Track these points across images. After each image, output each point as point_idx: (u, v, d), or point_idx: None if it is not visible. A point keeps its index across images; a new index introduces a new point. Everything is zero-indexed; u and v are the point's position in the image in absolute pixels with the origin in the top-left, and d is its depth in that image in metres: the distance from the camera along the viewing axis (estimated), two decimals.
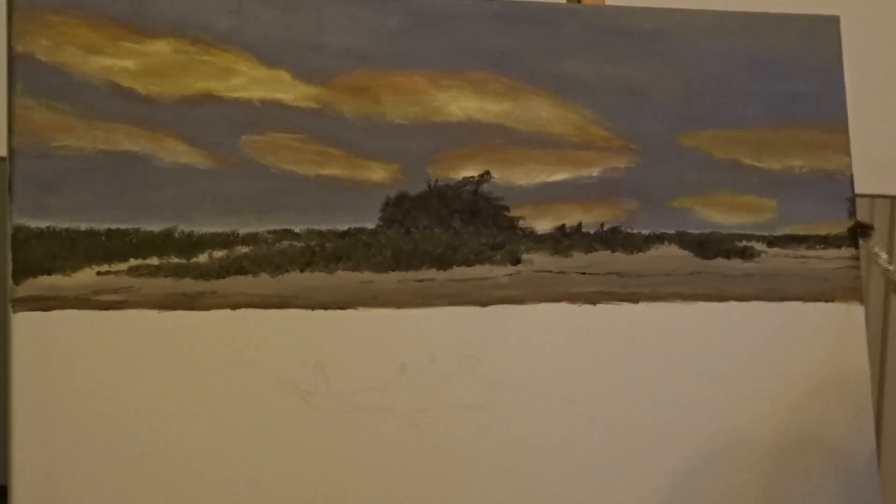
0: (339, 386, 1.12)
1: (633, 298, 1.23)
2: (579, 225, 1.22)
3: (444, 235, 1.18)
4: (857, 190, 1.32)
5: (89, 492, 1.05)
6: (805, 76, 1.30)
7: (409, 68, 1.19)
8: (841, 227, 1.29)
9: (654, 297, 1.23)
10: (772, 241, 1.28)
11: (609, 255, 1.23)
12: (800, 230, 1.29)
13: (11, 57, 1.09)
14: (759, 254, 1.27)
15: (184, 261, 1.11)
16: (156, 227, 1.10)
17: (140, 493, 1.06)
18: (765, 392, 1.25)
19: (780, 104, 1.29)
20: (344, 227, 1.15)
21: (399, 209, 1.17)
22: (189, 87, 1.13)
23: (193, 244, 1.11)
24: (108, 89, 1.11)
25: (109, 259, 1.09)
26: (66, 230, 1.08)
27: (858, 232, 1.28)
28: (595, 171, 1.23)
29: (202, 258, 1.11)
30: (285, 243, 1.13)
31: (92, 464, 1.05)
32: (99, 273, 1.08)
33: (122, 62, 1.11)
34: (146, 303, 1.09)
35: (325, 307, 1.13)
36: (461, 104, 1.20)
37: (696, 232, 1.25)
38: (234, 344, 1.10)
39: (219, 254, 1.12)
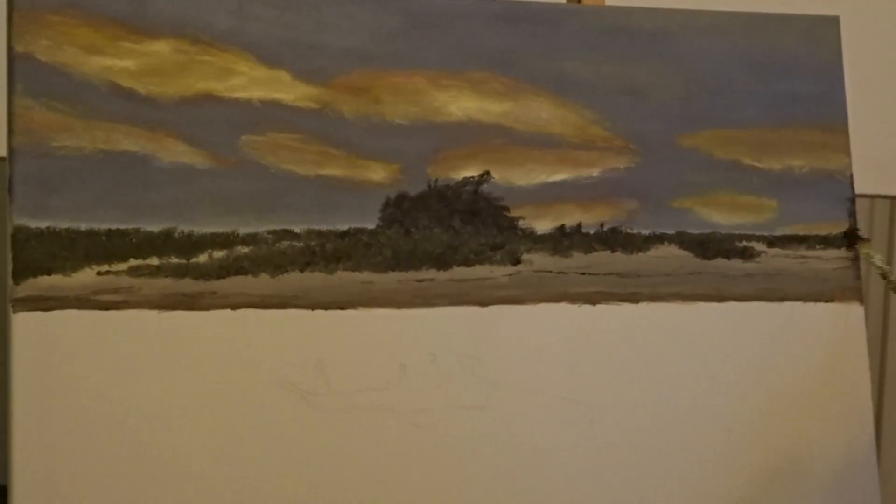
0: (339, 386, 1.12)
1: (633, 298, 1.23)
2: (579, 225, 1.22)
3: (444, 235, 1.18)
4: (857, 190, 1.32)
5: (89, 492, 1.05)
6: (805, 76, 1.30)
7: (409, 68, 1.19)
8: (841, 228, 1.29)
9: (654, 297, 1.23)
10: (772, 242, 1.28)
11: (609, 256, 1.23)
12: (800, 230, 1.29)
13: (11, 57, 1.09)
14: (759, 254, 1.27)
15: (184, 261, 1.11)
16: (156, 227, 1.10)
17: (140, 493, 1.06)
18: (764, 392, 1.25)
19: (780, 104, 1.29)
20: (344, 227, 1.15)
21: (399, 209, 1.17)
22: (189, 87, 1.13)
23: (193, 244, 1.11)
24: (108, 89, 1.11)
25: (109, 259, 1.09)
26: (66, 230, 1.08)
27: (852, 238, 1.28)
28: (595, 171, 1.23)
29: (202, 258, 1.11)
30: (285, 243, 1.13)
31: (92, 464, 1.05)
32: (99, 273, 1.08)
33: (122, 62, 1.11)
34: (146, 303, 1.09)
35: (325, 307, 1.13)
36: (461, 104, 1.20)
37: (696, 232, 1.25)
38: (234, 344, 1.10)
39: (219, 254, 1.12)
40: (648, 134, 1.25)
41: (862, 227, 1.33)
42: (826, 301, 1.27)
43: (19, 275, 1.06)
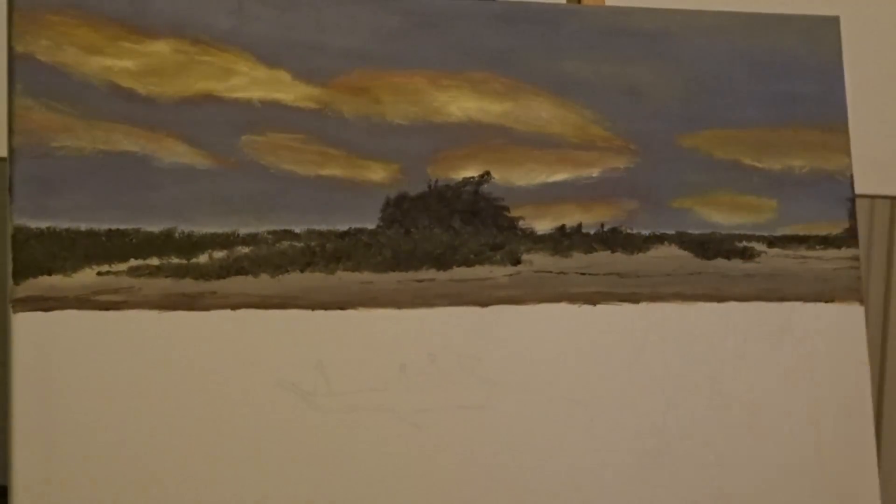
0: (339, 386, 1.12)
1: (633, 299, 1.23)
2: (579, 225, 1.22)
3: (444, 236, 1.18)
4: (857, 190, 1.32)
5: (89, 492, 1.05)
6: (805, 76, 1.30)
7: (409, 68, 1.19)
8: (841, 228, 1.29)
9: (654, 297, 1.23)
10: (772, 242, 1.28)
11: (609, 256, 1.23)
12: (800, 230, 1.29)
13: (11, 57, 1.08)
14: (759, 254, 1.27)
15: (184, 261, 1.11)
16: (156, 227, 1.10)
17: (140, 493, 1.06)
18: (764, 392, 1.25)
19: (780, 104, 1.29)
20: (344, 227, 1.15)
21: (399, 209, 1.17)
22: (189, 87, 1.13)
23: (193, 244, 1.11)
24: (107, 89, 1.11)
25: (109, 259, 1.09)
26: (66, 230, 1.08)
27: None
28: (595, 172, 1.23)
29: (202, 258, 1.11)
30: (285, 243, 1.13)
31: (92, 464, 1.05)
32: (99, 273, 1.08)
33: (122, 62, 1.11)
34: (146, 303, 1.09)
35: (325, 307, 1.13)
36: (461, 104, 1.20)
37: (696, 232, 1.25)
38: (234, 344, 1.10)
39: (219, 254, 1.12)
40: (648, 134, 1.25)
41: (862, 226, 1.33)
42: (826, 301, 1.27)
43: (19, 275, 1.06)
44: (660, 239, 1.24)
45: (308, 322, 1.13)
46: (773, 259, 1.27)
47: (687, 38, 1.27)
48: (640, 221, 1.24)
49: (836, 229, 1.29)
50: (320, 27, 1.17)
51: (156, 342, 1.08)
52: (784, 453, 1.25)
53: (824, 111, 1.31)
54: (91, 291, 1.08)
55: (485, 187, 1.20)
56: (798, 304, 1.27)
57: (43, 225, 1.07)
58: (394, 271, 1.16)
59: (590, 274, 1.22)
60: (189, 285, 1.10)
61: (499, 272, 1.19)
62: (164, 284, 1.10)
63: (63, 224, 1.08)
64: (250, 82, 1.14)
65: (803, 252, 1.28)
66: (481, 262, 1.19)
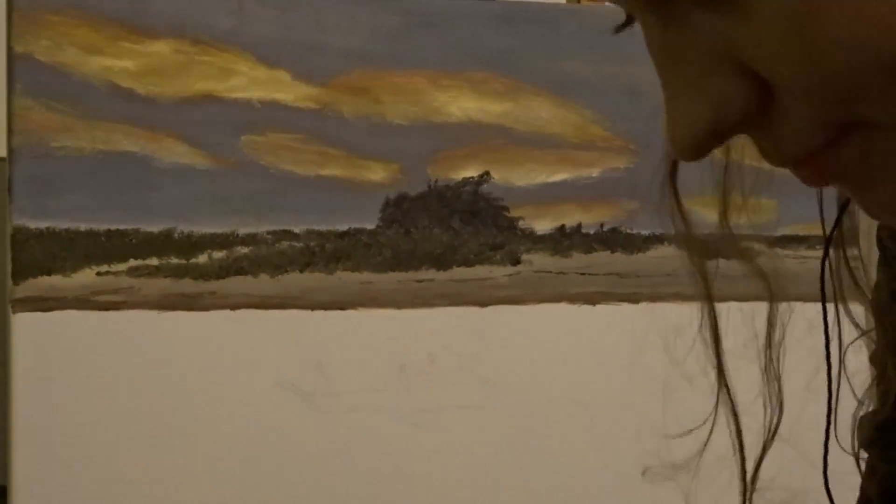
0: (339, 386, 1.12)
1: (633, 298, 1.23)
2: (579, 225, 1.22)
3: (443, 236, 1.18)
4: None
5: (89, 492, 1.05)
6: None
7: (409, 68, 1.19)
8: None
9: (654, 297, 1.23)
10: (772, 242, 1.28)
11: (609, 256, 1.23)
12: (800, 230, 1.29)
13: (11, 57, 1.08)
14: (759, 254, 1.27)
15: (183, 261, 1.10)
16: (155, 227, 1.10)
17: (140, 493, 1.06)
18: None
19: None
20: (344, 227, 1.15)
21: (399, 209, 1.17)
22: (189, 87, 1.13)
23: (193, 244, 1.11)
24: (107, 89, 1.11)
25: (109, 259, 1.09)
26: (66, 230, 1.08)
27: None
28: (595, 171, 1.23)
29: (202, 259, 1.11)
30: (285, 244, 1.13)
31: (92, 464, 1.05)
32: (99, 273, 1.08)
33: (121, 62, 1.11)
34: (146, 303, 1.09)
35: (325, 308, 1.13)
36: (461, 104, 1.20)
37: (696, 232, 1.25)
38: (233, 344, 1.10)
39: (218, 254, 1.12)
40: (648, 134, 1.25)
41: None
42: (826, 301, 1.27)
43: (19, 275, 1.06)
44: (660, 239, 1.24)
45: (308, 322, 1.13)
46: (773, 259, 1.27)
47: None
48: (640, 221, 1.24)
49: None
50: (320, 27, 1.17)
51: (155, 342, 1.08)
52: (783, 452, 1.25)
53: None
54: (91, 291, 1.08)
55: (484, 187, 1.20)
56: (798, 304, 1.26)
57: (43, 225, 1.07)
58: (394, 271, 1.16)
59: (590, 274, 1.22)
60: (188, 285, 1.10)
61: (499, 272, 1.19)
62: (164, 285, 1.10)
63: (63, 224, 1.08)
64: (250, 82, 1.14)
65: (803, 252, 1.28)
66: (481, 263, 1.19)
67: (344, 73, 1.17)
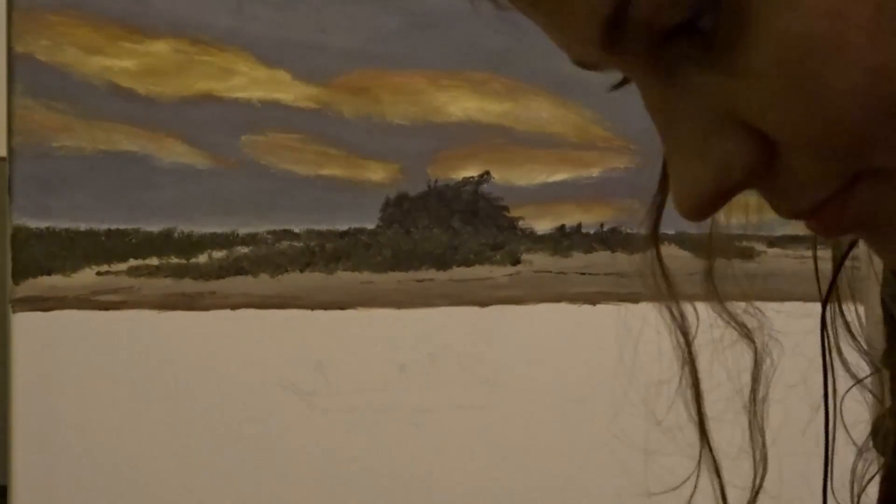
0: (339, 386, 1.12)
1: (633, 298, 1.22)
2: (579, 225, 1.22)
3: (443, 235, 1.18)
4: None
5: (89, 492, 1.05)
6: None
7: (409, 68, 1.19)
8: None
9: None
10: (772, 241, 1.28)
11: (609, 256, 1.23)
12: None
13: (11, 57, 1.08)
14: (759, 254, 1.27)
15: (183, 261, 1.11)
16: (155, 227, 1.10)
17: (139, 493, 1.06)
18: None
19: None
20: (344, 227, 1.15)
21: (399, 209, 1.17)
22: (189, 87, 1.13)
23: (193, 244, 1.11)
24: (107, 89, 1.11)
25: (109, 259, 1.09)
26: (66, 230, 1.08)
27: None
28: (595, 171, 1.23)
29: (202, 258, 1.11)
30: (285, 243, 1.13)
31: (92, 464, 1.05)
32: (99, 273, 1.08)
33: (121, 62, 1.11)
34: (146, 303, 1.09)
35: (325, 307, 1.13)
36: (461, 104, 1.20)
37: (696, 232, 1.25)
38: (234, 344, 1.10)
39: (218, 254, 1.12)
40: (648, 134, 1.25)
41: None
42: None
43: (19, 275, 1.06)
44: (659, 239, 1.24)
45: (308, 322, 1.13)
46: (772, 259, 1.27)
47: None
48: (640, 221, 1.24)
49: None
50: (320, 27, 1.17)
51: (155, 342, 1.08)
52: (783, 452, 1.25)
53: None
54: (91, 291, 1.08)
55: (485, 187, 1.20)
56: (798, 304, 1.27)
57: (43, 225, 1.07)
58: (394, 271, 1.16)
59: (590, 274, 1.22)
60: (188, 285, 1.10)
61: (499, 272, 1.19)
62: (164, 284, 1.10)
63: (63, 224, 1.08)
64: (250, 82, 1.14)
65: (803, 252, 1.28)
66: (481, 262, 1.19)
67: (344, 73, 1.17)
